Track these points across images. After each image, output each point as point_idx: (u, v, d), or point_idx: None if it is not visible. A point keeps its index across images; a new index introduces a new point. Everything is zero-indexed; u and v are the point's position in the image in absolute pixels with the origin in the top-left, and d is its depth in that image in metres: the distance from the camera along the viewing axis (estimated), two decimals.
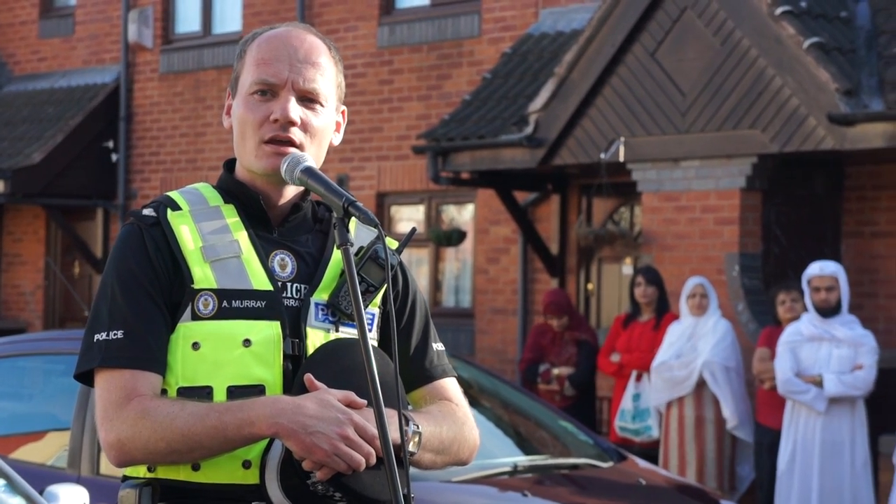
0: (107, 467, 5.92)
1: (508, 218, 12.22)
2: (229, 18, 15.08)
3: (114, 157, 15.75)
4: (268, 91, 2.59)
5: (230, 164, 2.71)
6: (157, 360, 2.52)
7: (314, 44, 2.64)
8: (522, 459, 6.56)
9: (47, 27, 16.71)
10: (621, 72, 10.52)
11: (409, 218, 13.42)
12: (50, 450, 6.53)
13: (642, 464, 7.10)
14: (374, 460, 2.43)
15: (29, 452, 6.58)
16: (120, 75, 15.76)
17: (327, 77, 2.63)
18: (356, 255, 2.60)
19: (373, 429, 2.42)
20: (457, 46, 13.06)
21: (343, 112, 2.73)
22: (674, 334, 9.18)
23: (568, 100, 10.72)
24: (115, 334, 2.52)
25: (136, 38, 15.40)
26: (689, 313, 9.19)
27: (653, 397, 9.21)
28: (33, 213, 16.33)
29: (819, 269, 8.58)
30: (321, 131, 2.64)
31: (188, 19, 15.50)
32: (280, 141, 2.58)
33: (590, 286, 12.11)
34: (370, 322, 2.64)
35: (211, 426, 2.43)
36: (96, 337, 2.54)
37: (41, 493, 4.84)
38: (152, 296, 2.54)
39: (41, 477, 5.62)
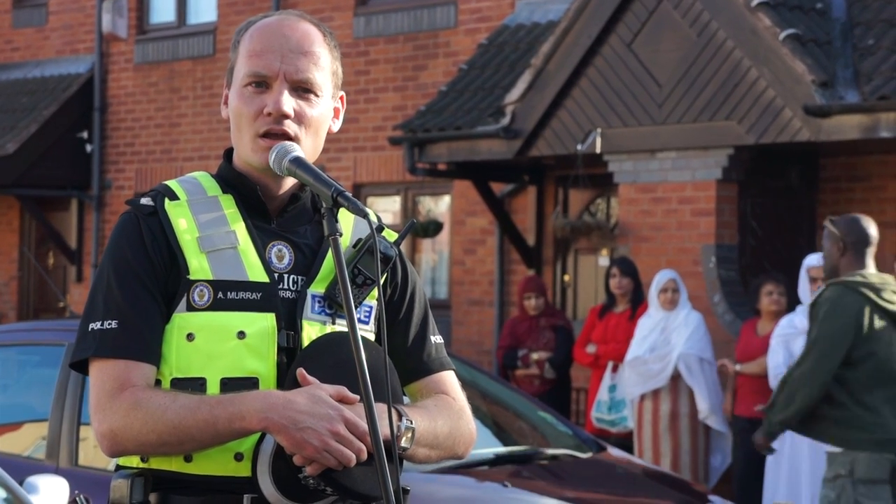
0: (85, 458, 5.90)
1: (485, 209, 12.23)
2: (204, 9, 15.03)
3: (88, 147, 15.69)
4: (262, 83, 2.58)
5: (230, 154, 2.69)
6: (151, 351, 2.51)
7: (307, 32, 2.61)
8: (502, 450, 6.57)
9: (21, 17, 16.62)
10: (598, 63, 10.54)
11: (385, 209, 13.41)
12: (27, 441, 6.51)
13: (621, 454, 7.11)
14: (364, 456, 2.42)
15: (6, 443, 6.55)
16: (94, 65, 15.69)
17: (322, 65, 2.61)
18: (355, 247, 2.60)
19: (364, 425, 2.41)
20: (433, 37, 13.05)
21: (342, 98, 2.72)
22: (645, 328, 9.17)
23: (544, 91, 10.73)
24: (109, 324, 2.51)
25: (111, 29, 15.31)
26: (661, 307, 9.18)
27: (627, 391, 9.22)
28: (7, 203, 16.26)
29: (818, 259, 8.56)
30: (317, 121, 2.61)
31: (163, 9, 15.44)
32: (274, 134, 2.57)
33: (566, 277, 12.12)
34: (367, 315, 2.63)
35: (202, 419, 2.43)
36: (91, 326, 2.53)
37: (20, 483, 4.82)
38: (148, 286, 2.53)
39: (19, 468, 5.60)
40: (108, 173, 15.66)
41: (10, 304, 16.25)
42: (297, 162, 2.52)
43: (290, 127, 2.57)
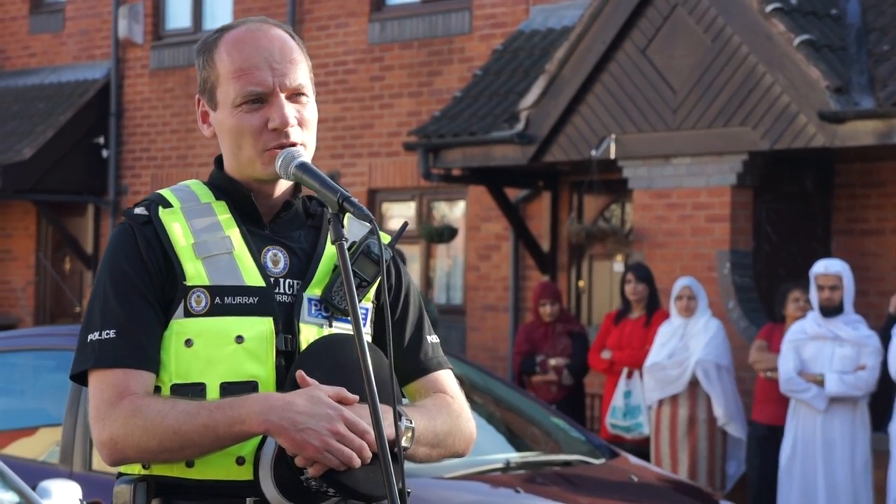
0: (99, 463, 5.92)
1: (500, 215, 12.22)
2: (220, 14, 15.07)
3: (104, 153, 15.74)
4: (257, 100, 2.58)
5: (220, 161, 2.70)
6: (149, 359, 2.52)
7: (284, 39, 2.63)
8: (514, 456, 6.56)
9: (37, 23, 16.68)
10: (612, 69, 10.53)
11: (400, 215, 13.42)
12: (41, 445, 6.53)
13: (634, 461, 7.10)
14: (367, 454, 2.43)
15: (20, 448, 6.57)
16: (110, 71, 15.74)
17: (304, 68, 2.63)
18: (350, 249, 2.61)
19: (364, 424, 2.42)
20: (448, 43, 13.06)
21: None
22: (665, 335, 9.18)
23: (559, 97, 10.73)
24: (107, 334, 2.53)
25: (127, 34, 15.37)
26: (678, 314, 9.20)
27: (645, 396, 9.21)
28: (24, 208, 16.31)
29: (824, 267, 8.56)
30: (313, 119, 2.65)
31: (178, 15, 15.48)
32: (283, 146, 2.58)
33: (581, 283, 12.11)
34: (363, 317, 2.64)
35: (202, 424, 2.44)
36: (89, 337, 2.55)
37: (34, 488, 4.84)
38: (144, 295, 2.54)
39: (33, 472, 5.62)
40: (124, 179, 15.71)
41: (27, 309, 16.30)
42: (304, 167, 2.54)
43: (296, 135, 2.59)
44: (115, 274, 2.56)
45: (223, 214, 2.61)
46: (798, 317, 8.85)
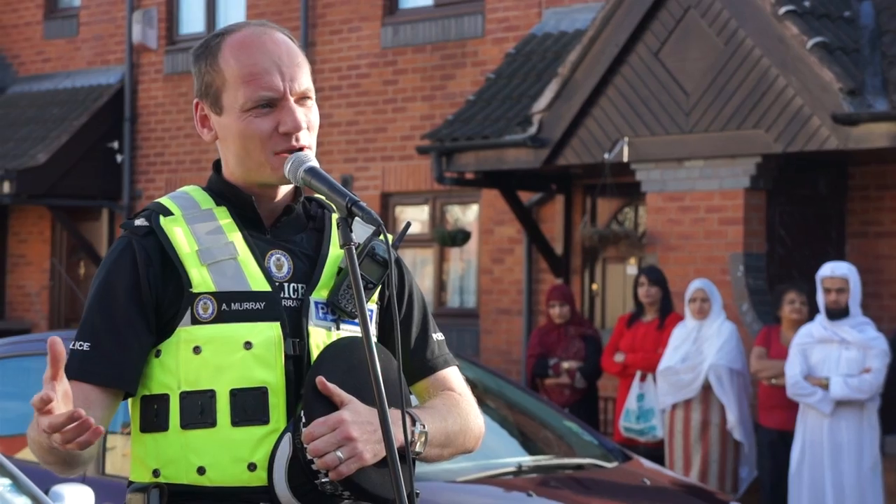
0: (112, 467, 5.93)
1: (513, 218, 12.23)
2: (233, 19, 15.09)
3: (118, 157, 15.77)
4: (267, 104, 2.57)
5: (219, 165, 2.70)
6: (115, 377, 2.53)
7: (288, 42, 2.62)
8: (527, 459, 6.57)
9: (52, 28, 16.73)
10: (625, 72, 10.53)
11: (413, 218, 13.43)
12: None
13: (647, 464, 7.09)
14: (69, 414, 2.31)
15: None
16: (124, 76, 15.78)
17: (307, 70, 2.63)
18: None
19: (49, 393, 2.29)
20: (460, 47, 13.07)
21: None
22: (678, 338, 9.15)
23: (571, 100, 10.73)
24: (81, 345, 2.55)
25: (141, 39, 15.41)
26: (692, 317, 9.18)
27: (658, 400, 9.20)
28: (38, 213, 16.35)
29: (830, 270, 8.53)
30: (317, 122, 2.65)
31: (192, 20, 15.52)
32: (293, 150, 2.57)
33: (594, 286, 12.11)
34: (369, 319, 2.63)
35: (41, 442, 2.44)
36: (70, 346, 2.56)
37: (46, 492, 4.85)
38: (128, 312, 2.54)
39: (45, 477, 5.62)
40: (138, 183, 15.74)
41: (42, 313, 16.35)
42: (313, 172, 2.53)
43: (305, 138, 2.59)
44: (104, 288, 2.57)
45: (225, 220, 2.61)
46: (794, 318, 8.84)
